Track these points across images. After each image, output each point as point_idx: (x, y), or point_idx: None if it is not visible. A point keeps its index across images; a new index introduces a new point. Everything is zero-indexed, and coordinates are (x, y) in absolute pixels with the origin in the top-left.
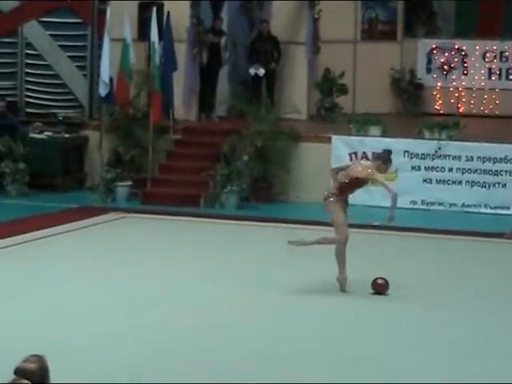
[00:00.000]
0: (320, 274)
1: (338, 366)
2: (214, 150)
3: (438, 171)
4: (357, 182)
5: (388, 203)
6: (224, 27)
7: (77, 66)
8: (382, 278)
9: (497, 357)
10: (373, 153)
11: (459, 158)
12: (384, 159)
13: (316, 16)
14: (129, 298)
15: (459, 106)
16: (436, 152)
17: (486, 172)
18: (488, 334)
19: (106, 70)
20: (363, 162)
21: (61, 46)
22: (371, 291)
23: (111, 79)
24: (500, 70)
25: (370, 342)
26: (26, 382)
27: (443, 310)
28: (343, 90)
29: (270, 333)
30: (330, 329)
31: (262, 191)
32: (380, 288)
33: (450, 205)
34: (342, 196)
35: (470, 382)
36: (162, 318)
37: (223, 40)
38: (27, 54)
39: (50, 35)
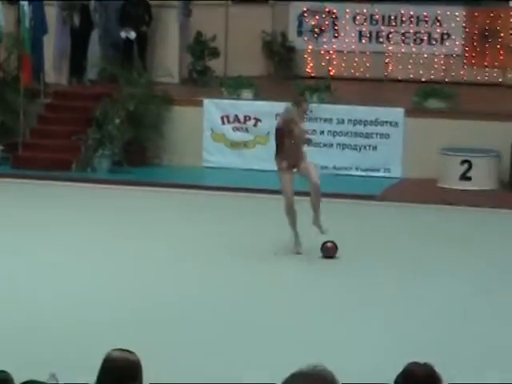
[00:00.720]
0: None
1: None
2: (86, 114)
3: (309, 134)
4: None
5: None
6: None
7: None
8: (331, 242)
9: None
10: None
11: (330, 120)
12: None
13: None
14: None
15: (330, 68)
16: (307, 115)
17: (356, 135)
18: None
19: None
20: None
21: None
22: (320, 255)
23: None
24: (370, 33)
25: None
26: None
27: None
28: (215, 53)
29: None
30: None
31: (134, 155)
32: (330, 251)
33: (322, 167)
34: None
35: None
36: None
37: (92, 2)
38: None
39: None
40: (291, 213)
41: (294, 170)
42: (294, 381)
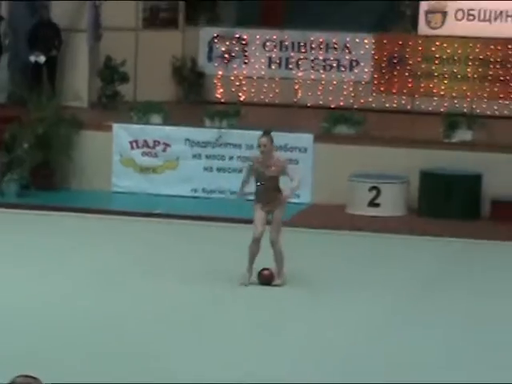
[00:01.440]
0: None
1: None
2: None
3: (218, 159)
4: None
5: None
6: (4, 13)
7: None
8: (267, 269)
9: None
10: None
11: (240, 146)
12: None
13: (97, 3)
14: None
15: (240, 94)
16: (217, 140)
17: None
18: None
19: None
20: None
21: None
22: (257, 282)
23: None
24: (280, 59)
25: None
26: None
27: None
28: (124, 78)
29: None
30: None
31: (43, 179)
32: (267, 278)
33: (231, 193)
34: None
35: None
36: None
37: (2, 25)
38: None
39: None
40: (251, 247)
41: (269, 210)
42: None
